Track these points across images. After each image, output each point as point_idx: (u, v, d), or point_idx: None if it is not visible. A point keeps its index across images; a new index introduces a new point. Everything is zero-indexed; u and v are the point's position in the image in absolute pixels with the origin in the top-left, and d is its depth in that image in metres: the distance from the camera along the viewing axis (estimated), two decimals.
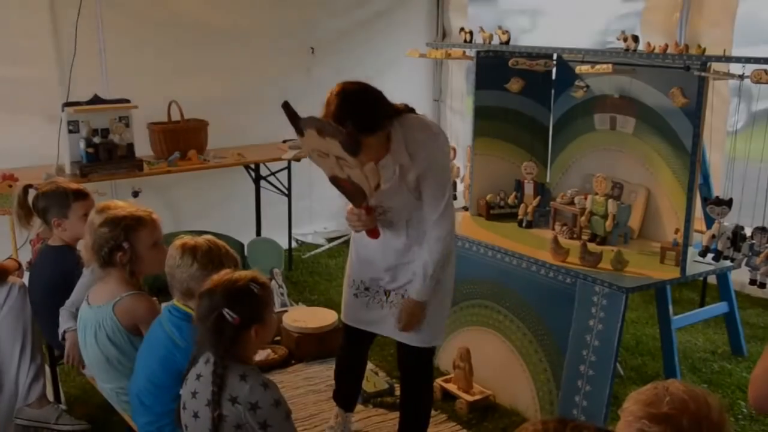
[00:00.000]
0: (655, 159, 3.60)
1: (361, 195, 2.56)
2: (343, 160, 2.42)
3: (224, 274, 2.18)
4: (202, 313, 2.13)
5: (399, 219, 2.73)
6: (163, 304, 2.60)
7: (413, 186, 2.63)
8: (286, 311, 4.24)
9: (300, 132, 2.45)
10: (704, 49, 3.41)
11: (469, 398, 3.44)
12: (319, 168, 2.62)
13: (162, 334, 2.41)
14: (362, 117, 2.43)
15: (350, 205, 2.68)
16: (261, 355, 3.84)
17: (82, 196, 3.12)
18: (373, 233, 2.75)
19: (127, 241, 2.64)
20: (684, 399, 1.46)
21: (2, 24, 4.54)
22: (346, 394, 3.19)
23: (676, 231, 3.34)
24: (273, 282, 4.53)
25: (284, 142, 5.32)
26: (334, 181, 2.58)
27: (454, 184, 4.29)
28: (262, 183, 5.36)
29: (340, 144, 2.35)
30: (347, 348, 3.10)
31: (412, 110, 2.71)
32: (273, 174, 5.32)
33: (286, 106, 2.43)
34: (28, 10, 4.62)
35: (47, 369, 3.32)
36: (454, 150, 4.34)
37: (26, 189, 3.22)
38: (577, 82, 3.78)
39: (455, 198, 4.27)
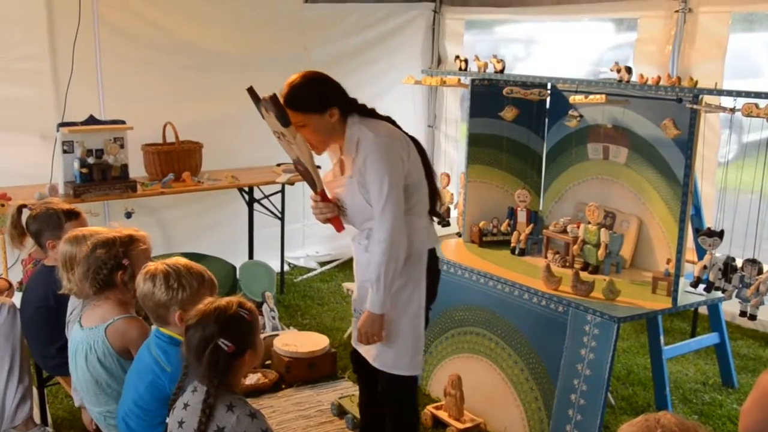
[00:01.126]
0: (647, 189, 3.62)
1: (311, 179, 2.73)
2: (284, 137, 2.63)
3: (210, 303, 2.15)
4: (194, 345, 2.10)
5: (356, 220, 2.75)
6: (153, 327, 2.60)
7: (361, 182, 2.65)
8: (277, 335, 4.22)
9: (261, 115, 2.67)
10: (696, 82, 3.45)
11: (460, 426, 3.42)
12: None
13: (149, 358, 2.40)
14: (302, 94, 2.63)
15: (311, 196, 2.79)
16: (251, 379, 3.82)
17: (74, 216, 3.12)
18: (336, 224, 2.79)
19: (127, 258, 2.66)
20: (674, 430, 1.46)
21: (2, 46, 4.56)
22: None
23: (668, 261, 3.35)
24: (264, 305, 4.51)
25: (278, 165, 5.33)
26: (296, 167, 2.80)
27: (448, 210, 4.32)
28: (256, 206, 5.37)
29: (275, 116, 2.57)
30: (354, 370, 3.08)
31: (387, 118, 2.77)
32: (266, 197, 5.32)
33: (251, 91, 2.64)
34: (27, 31, 4.64)
35: (35, 391, 3.29)
36: (448, 176, 4.36)
37: (20, 209, 3.20)
38: (570, 112, 3.81)
39: (448, 224, 4.34)
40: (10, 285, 3.36)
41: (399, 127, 2.76)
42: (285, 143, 2.71)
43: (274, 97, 2.57)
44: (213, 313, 2.11)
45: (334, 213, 2.76)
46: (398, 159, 2.62)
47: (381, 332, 2.68)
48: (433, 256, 2.78)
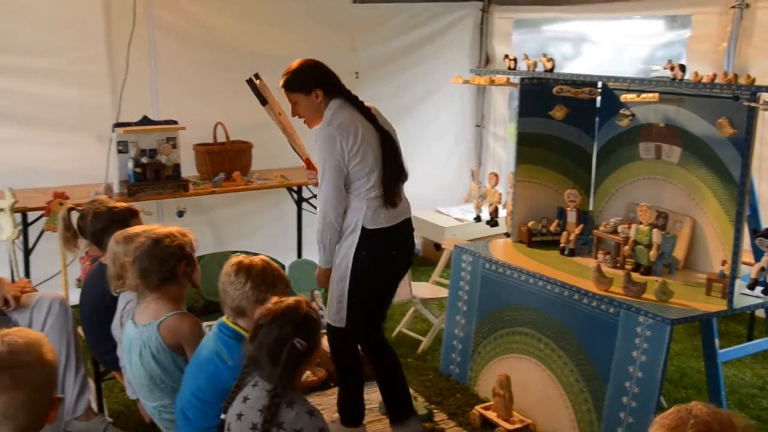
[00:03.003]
0: (701, 189, 3.55)
1: (296, 151, 3.36)
2: (274, 114, 3.25)
3: (279, 303, 2.21)
4: (269, 344, 2.14)
5: None
6: (205, 324, 2.65)
7: None
8: (325, 333, 4.25)
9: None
10: (753, 79, 3.37)
11: (509, 426, 3.41)
12: None
13: (211, 350, 2.45)
14: (293, 76, 3.15)
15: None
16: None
17: (136, 214, 3.21)
18: None
19: (188, 250, 2.72)
20: (707, 421, 1.45)
21: (61, 49, 4.71)
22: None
23: (723, 263, 3.28)
24: (313, 303, 4.54)
25: None
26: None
27: (496, 210, 4.30)
28: (304, 205, 5.41)
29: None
30: None
31: (364, 108, 3.17)
32: (315, 196, 5.35)
33: (250, 82, 3.24)
34: (84, 35, 4.77)
35: (92, 384, 3.37)
36: (496, 176, 4.34)
37: (70, 211, 3.27)
38: (622, 111, 3.75)
39: (496, 224, 4.32)
40: (29, 282, 3.39)
41: (373, 119, 3.14)
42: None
43: (249, 81, 3.22)
44: (287, 313, 2.17)
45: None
46: (338, 147, 3.03)
47: (326, 284, 3.22)
48: (375, 235, 3.13)
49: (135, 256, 2.70)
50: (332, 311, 3.23)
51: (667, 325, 2.98)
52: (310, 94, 3.11)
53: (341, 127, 3.05)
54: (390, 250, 3.22)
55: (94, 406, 3.34)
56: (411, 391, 3.75)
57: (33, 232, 4.22)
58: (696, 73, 3.52)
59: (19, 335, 1.74)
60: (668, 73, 3.48)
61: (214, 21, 5.19)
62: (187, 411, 2.45)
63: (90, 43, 4.79)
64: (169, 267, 2.65)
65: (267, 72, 5.31)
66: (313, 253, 5.39)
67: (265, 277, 2.47)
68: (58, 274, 4.21)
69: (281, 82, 3.14)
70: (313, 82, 3.11)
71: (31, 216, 4.19)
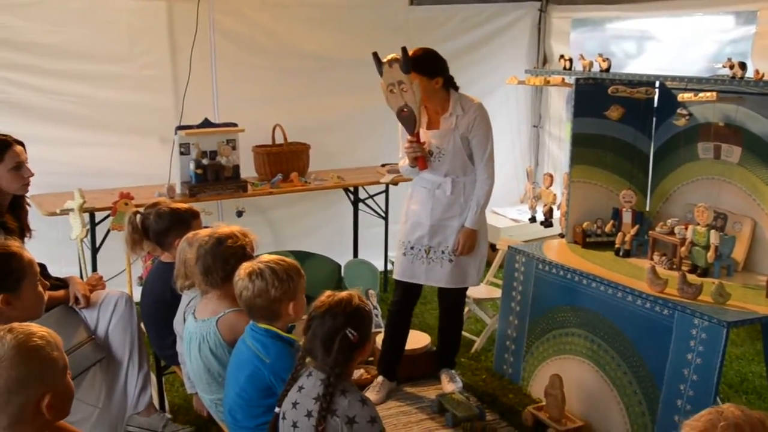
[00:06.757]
0: (762, 189, 3.47)
1: (413, 122, 3.50)
2: (403, 84, 3.43)
3: (332, 296, 2.27)
4: (323, 334, 2.21)
5: (445, 165, 3.60)
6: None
7: (464, 136, 3.56)
8: (379, 332, 4.30)
9: (381, 72, 3.47)
10: None
11: (561, 427, 3.40)
12: None
13: (248, 351, 2.51)
14: (419, 60, 3.48)
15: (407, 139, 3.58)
16: (354, 375, 3.91)
17: (197, 215, 3.30)
18: (421, 162, 3.60)
19: (248, 251, 2.79)
20: (738, 424, 1.44)
21: (130, 56, 4.90)
22: (390, 361, 3.87)
23: None
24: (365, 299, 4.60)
25: (383, 165, 5.43)
26: (399, 115, 3.54)
27: (551, 210, 4.28)
28: (360, 206, 5.48)
29: (399, 65, 3.39)
30: (398, 303, 3.84)
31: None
32: (371, 197, 5.43)
33: (375, 55, 3.46)
34: (150, 41, 4.94)
35: (153, 378, 3.49)
36: (551, 177, 4.32)
37: (136, 215, 3.37)
38: (679, 110, 3.70)
39: (550, 225, 4.31)
40: (101, 277, 3.49)
41: None
42: (396, 94, 3.47)
43: (404, 48, 3.40)
44: (340, 305, 2.24)
45: (423, 153, 3.59)
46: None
47: (474, 246, 3.66)
48: None
49: (198, 255, 2.78)
50: (475, 271, 3.72)
51: (723, 327, 2.93)
52: (432, 80, 3.51)
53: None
54: None
55: (156, 400, 3.45)
56: (464, 392, 3.79)
57: (100, 231, 4.39)
58: (757, 71, 3.45)
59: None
60: (728, 72, 3.41)
61: (273, 26, 5.30)
62: (235, 413, 2.53)
63: (155, 49, 4.96)
64: (231, 266, 2.71)
65: (325, 74, 5.46)
66: (367, 253, 5.50)
67: (280, 275, 2.47)
68: (123, 272, 4.38)
69: (404, 49, 3.43)
70: (437, 69, 3.54)
71: (99, 216, 4.35)
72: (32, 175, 3.25)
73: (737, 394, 3.88)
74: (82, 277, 4.16)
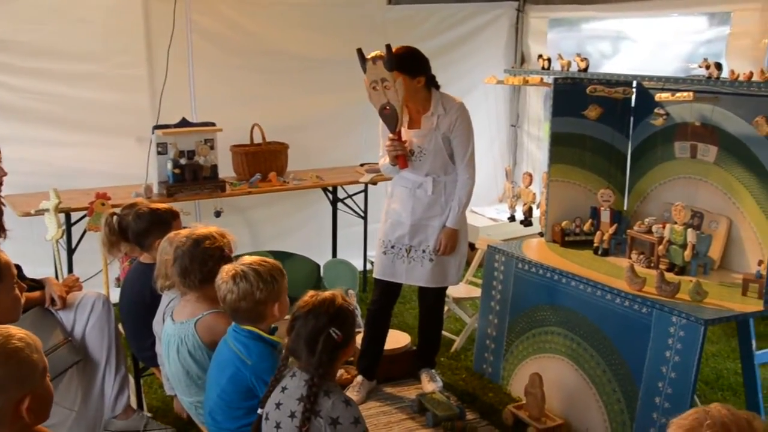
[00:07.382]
0: (737, 188, 3.51)
1: (395, 120, 3.50)
2: (386, 81, 3.41)
3: (315, 296, 2.27)
4: (306, 334, 2.21)
5: (428, 164, 3.60)
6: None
7: (445, 135, 3.57)
8: (359, 332, 4.29)
9: (364, 69, 3.46)
10: None
11: (541, 426, 3.41)
12: None
13: (229, 352, 2.49)
14: (405, 58, 3.49)
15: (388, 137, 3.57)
16: None
17: (177, 215, 3.26)
18: (401, 161, 3.60)
19: (227, 252, 2.76)
20: (725, 423, 1.44)
21: (105, 54, 4.83)
22: (370, 361, 3.86)
23: (760, 263, 3.24)
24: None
25: (361, 165, 5.42)
26: (381, 113, 3.53)
27: (530, 209, 4.30)
28: (339, 205, 5.47)
29: (383, 63, 3.37)
30: (378, 302, 3.84)
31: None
32: (350, 197, 5.42)
33: (359, 52, 3.44)
34: (126, 40, 4.88)
35: (131, 380, 3.44)
36: (530, 176, 4.34)
37: (113, 216, 3.33)
38: (656, 110, 3.73)
39: (530, 224, 4.32)
40: (77, 279, 3.45)
41: None
42: (379, 91, 3.46)
43: (388, 46, 3.38)
44: (323, 304, 2.23)
45: (404, 152, 3.58)
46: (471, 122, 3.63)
47: (455, 245, 3.66)
48: None
49: (176, 256, 2.75)
50: (455, 270, 3.73)
51: (701, 325, 2.96)
52: (414, 79, 3.51)
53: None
54: None
55: (134, 402, 3.42)
56: (444, 391, 3.79)
57: (76, 232, 4.34)
58: (732, 72, 3.48)
59: None
60: (704, 72, 3.45)
61: (251, 25, 5.27)
62: (215, 414, 2.51)
63: (131, 48, 4.90)
64: (209, 268, 2.69)
65: (303, 73, 5.44)
66: (346, 253, 5.49)
67: (264, 277, 2.46)
68: (99, 274, 4.33)
69: (388, 47, 3.40)
70: (419, 69, 3.53)
71: (75, 216, 4.30)
72: (5, 174, 3.21)
73: (713, 391, 3.92)
74: (57, 278, 4.10)
